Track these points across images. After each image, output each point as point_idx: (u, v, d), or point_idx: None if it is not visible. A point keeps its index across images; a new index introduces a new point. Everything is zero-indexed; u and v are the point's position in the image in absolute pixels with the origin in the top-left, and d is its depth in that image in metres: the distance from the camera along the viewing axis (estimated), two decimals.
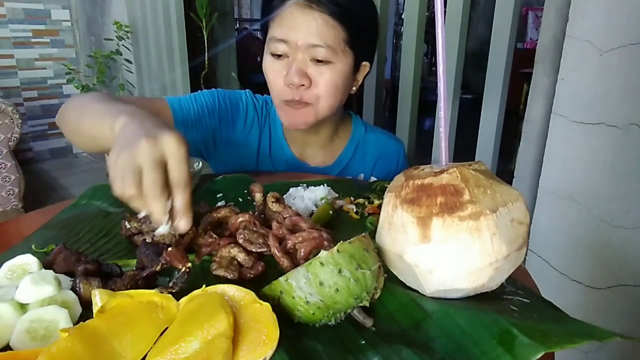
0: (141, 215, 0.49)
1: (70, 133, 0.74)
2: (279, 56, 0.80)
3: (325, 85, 0.80)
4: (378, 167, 0.98)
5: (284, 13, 0.77)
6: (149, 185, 0.46)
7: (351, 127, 0.99)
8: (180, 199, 0.48)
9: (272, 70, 0.81)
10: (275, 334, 0.39)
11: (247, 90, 0.96)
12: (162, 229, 0.50)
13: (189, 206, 0.49)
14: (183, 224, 0.49)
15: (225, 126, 0.91)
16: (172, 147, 0.48)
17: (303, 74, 0.78)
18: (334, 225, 0.67)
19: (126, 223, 0.61)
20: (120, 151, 0.49)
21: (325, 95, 0.81)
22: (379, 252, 0.49)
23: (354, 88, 0.89)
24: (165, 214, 0.48)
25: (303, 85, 0.79)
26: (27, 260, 0.51)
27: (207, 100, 0.89)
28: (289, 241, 0.53)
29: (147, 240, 0.57)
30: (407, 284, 0.48)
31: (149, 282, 0.51)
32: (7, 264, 0.51)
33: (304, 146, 0.94)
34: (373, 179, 0.97)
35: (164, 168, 0.47)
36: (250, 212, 0.60)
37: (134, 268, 0.53)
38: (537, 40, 1.28)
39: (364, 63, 0.86)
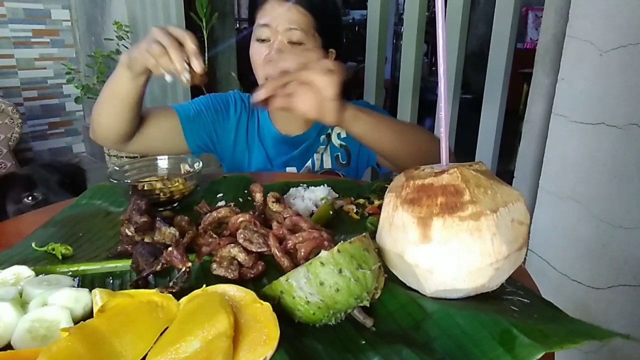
0: (167, 78, 0.74)
1: (103, 115, 0.92)
2: (263, 41, 0.97)
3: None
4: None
5: (267, 5, 0.97)
6: (168, 43, 0.70)
7: None
8: (189, 46, 0.71)
9: (257, 52, 0.98)
10: (276, 333, 0.39)
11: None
12: (185, 75, 0.71)
13: (197, 52, 0.72)
14: (197, 64, 0.72)
15: (221, 116, 1.11)
16: (169, 27, 0.73)
17: (281, 52, 0.94)
18: (334, 225, 0.67)
19: (126, 231, 0.60)
20: (139, 44, 0.74)
21: None
22: (380, 252, 0.49)
23: None
24: (182, 61, 0.70)
25: None
26: (19, 270, 0.51)
27: (202, 100, 1.11)
28: (289, 241, 0.53)
29: (145, 240, 0.57)
30: (408, 284, 0.48)
31: (145, 281, 0.52)
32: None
33: (286, 123, 1.11)
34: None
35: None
36: (251, 212, 0.60)
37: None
38: (537, 40, 1.28)
39: (330, 50, 1.03)
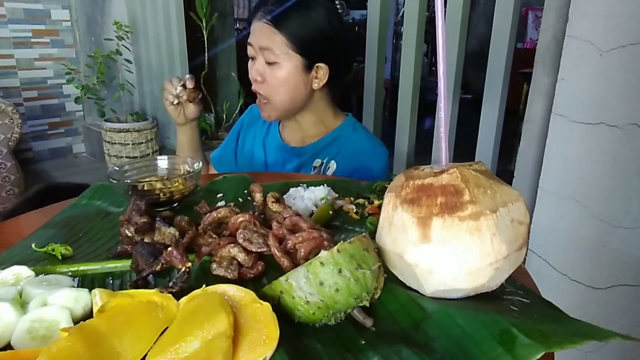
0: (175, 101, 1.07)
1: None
2: (252, 59, 1.02)
3: (274, 81, 0.99)
4: (351, 163, 1.08)
5: (252, 25, 1.01)
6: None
7: (339, 124, 1.12)
8: (185, 76, 1.04)
9: (249, 69, 1.04)
10: (276, 333, 0.39)
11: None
12: (179, 91, 1.05)
13: (191, 76, 1.04)
14: (189, 81, 1.04)
15: (239, 135, 1.24)
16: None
17: (258, 72, 1.00)
18: (334, 226, 0.67)
19: (126, 231, 0.60)
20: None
21: (276, 90, 1.00)
22: (379, 252, 0.49)
23: (315, 85, 1.03)
24: (177, 82, 1.05)
25: (257, 80, 1.01)
26: (19, 270, 0.51)
27: (227, 136, 1.26)
28: (289, 241, 0.53)
29: (145, 240, 0.56)
30: (407, 284, 0.48)
31: (145, 281, 0.52)
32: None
33: (290, 132, 1.15)
34: (332, 164, 1.07)
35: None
36: (250, 212, 0.60)
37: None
38: (537, 40, 1.28)
39: (319, 64, 1.01)
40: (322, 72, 1.02)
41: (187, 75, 1.05)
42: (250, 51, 1.02)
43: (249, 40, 1.01)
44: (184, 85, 1.04)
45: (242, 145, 1.22)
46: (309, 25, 0.98)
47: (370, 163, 1.07)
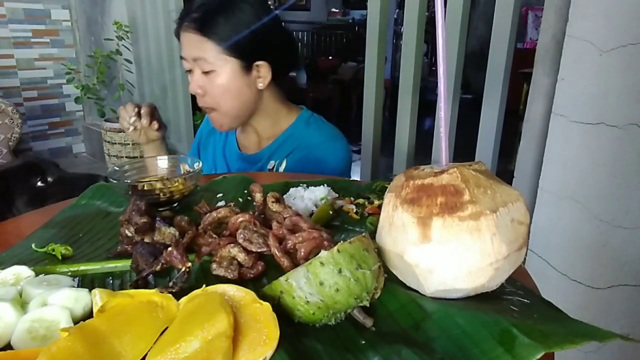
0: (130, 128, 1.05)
1: None
2: (189, 72, 0.97)
3: (216, 91, 0.95)
4: (303, 157, 1.04)
5: (181, 37, 0.96)
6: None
7: (293, 121, 1.08)
8: (144, 109, 1.03)
9: (189, 84, 0.99)
10: (276, 333, 0.39)
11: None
12: (133, 120, 1.03)
13: (147, 111, 1.03)
14: (144, 114, 1.03)
15: (199, 148, 1.22)
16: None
17: (197, 85, 0.96)
18: (334, 226, 0.67)
19: (126, 231, 0.60)
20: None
21: (220, 99, 0.96)
22: (379, 252, 0.49)
23: (260, 85, 0.99)
24: (132, 111, 1.04)
25: (199, 93, 0.97)
26: (19, 270, 0.51)
27: (190, 151, 1.25)
28: (289, 241, 0.53)
29: (145, 240, 0.56)
30: (407, 284, 0.48)
31: (145, 281, 0.52)
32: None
33: (246, 138, 1.12)
34: (284, 163, 1.04)
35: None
36: (250, 212, 0.60)
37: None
38: (537, 40, 1.28)
39: (258, 63, 0.97)
40: (263, 70, 0.97)
41: (144, 104, 1.03)
42: (185, 65, 0.97)
43: (181, 54, 0.97)
44: (138, 113, 1.02)
45: (204, 159, 1.18)
46: (237, 26, 0.93)
47: (325, 156, 1.02)
